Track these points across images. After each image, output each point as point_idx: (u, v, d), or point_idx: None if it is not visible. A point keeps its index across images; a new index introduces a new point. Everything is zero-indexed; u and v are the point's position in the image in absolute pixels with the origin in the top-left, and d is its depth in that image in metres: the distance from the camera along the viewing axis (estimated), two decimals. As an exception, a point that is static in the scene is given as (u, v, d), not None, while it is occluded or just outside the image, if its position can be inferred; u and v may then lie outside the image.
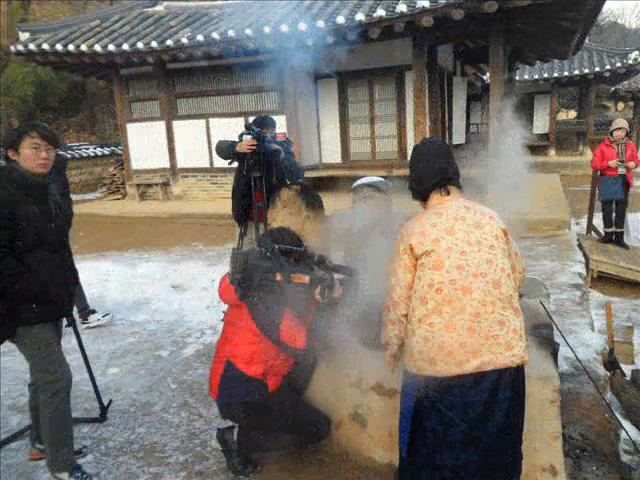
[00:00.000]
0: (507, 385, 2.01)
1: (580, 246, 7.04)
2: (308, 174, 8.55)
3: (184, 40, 9.60)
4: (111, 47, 10.08)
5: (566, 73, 17.02)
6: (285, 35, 8.58)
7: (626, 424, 3.22)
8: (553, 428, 2.44)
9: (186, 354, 4.31)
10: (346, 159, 11.53)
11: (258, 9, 9.97)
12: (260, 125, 4.36)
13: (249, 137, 4.15)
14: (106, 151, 15.83)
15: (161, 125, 11.57)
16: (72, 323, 3.11)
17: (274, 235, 2.69)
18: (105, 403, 3.43)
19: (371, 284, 2.57)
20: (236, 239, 4.58)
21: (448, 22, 7.91)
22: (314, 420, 2.81)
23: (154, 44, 9.79)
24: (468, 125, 16.50)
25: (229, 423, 2.86)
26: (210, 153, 11.18)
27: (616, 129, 6.95)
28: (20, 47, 10.68)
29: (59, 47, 10.39)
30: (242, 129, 4.31)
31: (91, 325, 4.96)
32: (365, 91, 11.10)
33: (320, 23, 8.40)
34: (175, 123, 11.51)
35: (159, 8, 11.67)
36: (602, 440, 2.91)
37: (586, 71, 16.42)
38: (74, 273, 3.00)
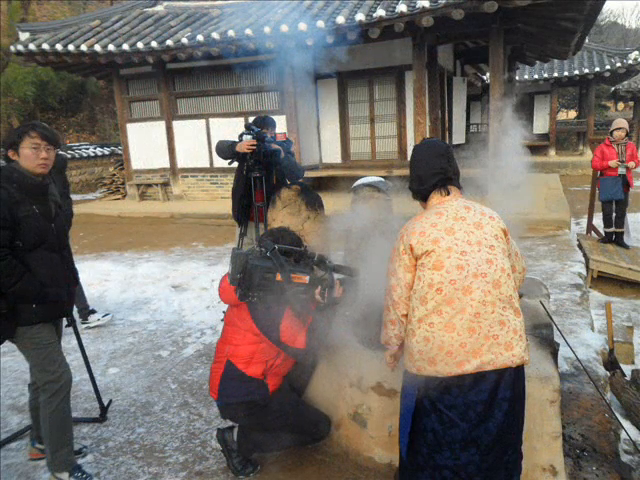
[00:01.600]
0: (507, 385, 2.02)
1: (580, 246, 7.04)
2: (308, 174, 8.55)
3: (184, 40, 9.60)
4: (111, 47, 10.08)
5: (566, 73, 17.00)
6: (285, 35, 8.57)
7: (626, 424, 3.23)
8: (553, 428, 2.44)
9: (186, 354, 4.31)
10: (346, 159, 11.54)
11: (258, 9, 9.97)
12: (260, 125, 4.36)
13: (249, 137, 4.15)
14: (106, 151, 15.83)
15: (161, 125, 11.57)
16: (72, 323, 3.11)
17: (274, 235, 2.69)
18: (105, 403, 3.43)
19: (371, 284, 2.57)
20: (236, 239, 4.58)
21: (448, 22, 7.91)
22: (314, 420, 2.81)
23: (154, 44, 9.79)
24: (468, 125, 16.50)
25: (229, 423, 2.86)
26: (210, 153, 11.18)
27: (616, 129, 6.95)
28: (20, 47, 10.68)
29: (59, 47, 10.38)
30: (242, 129, 4.31)
31: (91, 325, 4.96)
32: (365, 91, 11.10)
33: (320, 23, 8.40)
34: (175, 123, 11.51)
35: (159, 8, 11.67)
36: (602, 440, 2.90)
37: (586, 71, 16.40)
38: (74, 273, 3.00)
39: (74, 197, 8.36)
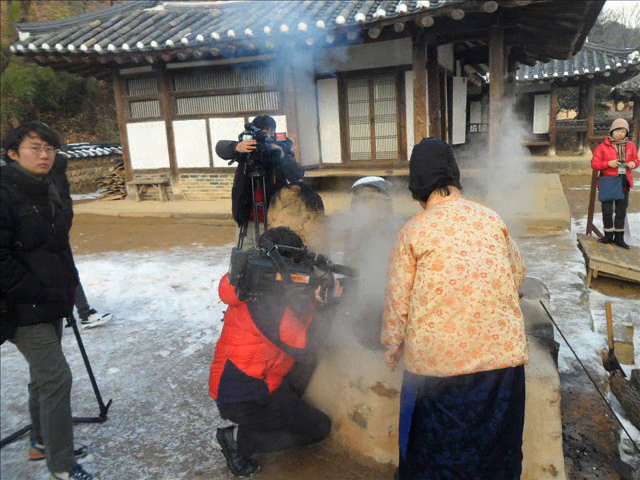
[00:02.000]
0: (507, 385, 2.02)
1: (580, 246, 7.04)
2: (308, 174, 8.56)
3: (184, 40, 9.60)
4: (111, 47, 10.08)
5: (566, 73, 17.01)
6: (285, 35, 8.57)
7: (626, 424, 3.23)
8: (553, 428, 2.44)
9: (186, 354, 4.31)
10: (346, 159, 11.54)
11: (258, 9, 9.97)
12: (260, 125, 4.36)
13: (249, 137, 4.15)
14: (106, 151, 15.83)
15: (161, 125, 11.57)
16: (72, 323, 3.11)
17: (274, 235, 2.69)
18: (105, 403, 3.43)
19: (371, 284, 2.57)
20: (236, 239, 4.58)
21: (448, 22, 7.91)
22: (314, 420, 2.81)
23: (154, 44, 9.79)
24: (468, 125, 16.50)
25: (229, 423, 2.86)
26: (210, 153, 11.18)
27: (616, 129, 6.95)
28: (20, 47, 10.68)
29: (59, 47, 10.39)
30: (242, 129, 4.32)
31: (91, 325, 4.96)
32: (365, 91, 11.11)
33: (320, 23, 8.40)
34: (175, 123, 11.51)
35: (159, 8, 11.67)
36: (602, 440, 2.90)
37: (586, 71, 16.41)
38: (74, 273, 3.00)
39: (74, 197, 8.36)
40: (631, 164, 6.88)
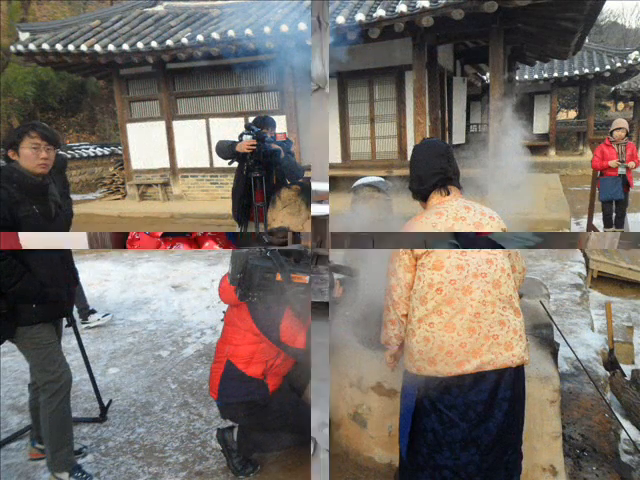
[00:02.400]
0: (507, 385, 2.02)
1: (580, 246, 7.04)
2: (308, 174, 8.55)
3: (184, 40, 9.60)
4: (111, 47, 10.08)
5: (566, 73, 17.00)
6: (285, 35, 8.58)
7: (626, 424, 3.23)
8: (553, 428, 2.44)
9: (186, 354, 4.32)
10: (346, 159, 11.53)
11: (258, 9, 9.97)
12: (260, 125, 4.36)
13: (249, 137, 4.15)
14: (106, 151, 15.83)
15: (161, 125, 11.56)
16: (72, 323, 3.11)
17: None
18: (105, 403, 3.43)
19: (371, 284, 2.57)
20: (236, 239, 4.58)
21: (448, 22, 7.91)
22: (314, 420, 2.81)
23: (154, 44, 9.79)
24: (468, 125, 16.49)
25: (229, 423, 2.86)
26: (210, 153, 11.18)
27: (616, 129, 6.96)
28: (20, 47, 10.67)
29: (59, 47, 10.39)
30: (242, 129, 4.31)
31: (91, 325, 4.96)
32: (365, 91, 11.09)
33: (320, 23, 8.39)
34: (175, 123, 11.51)
35: (159, 8, 11.67)
36: (602, 440, 2.90)
37: (586, 71, 16.40)
38: (74, 273, 3.00)
39: (74, 197, 8.35)
40: (631, 164, 6.88)
